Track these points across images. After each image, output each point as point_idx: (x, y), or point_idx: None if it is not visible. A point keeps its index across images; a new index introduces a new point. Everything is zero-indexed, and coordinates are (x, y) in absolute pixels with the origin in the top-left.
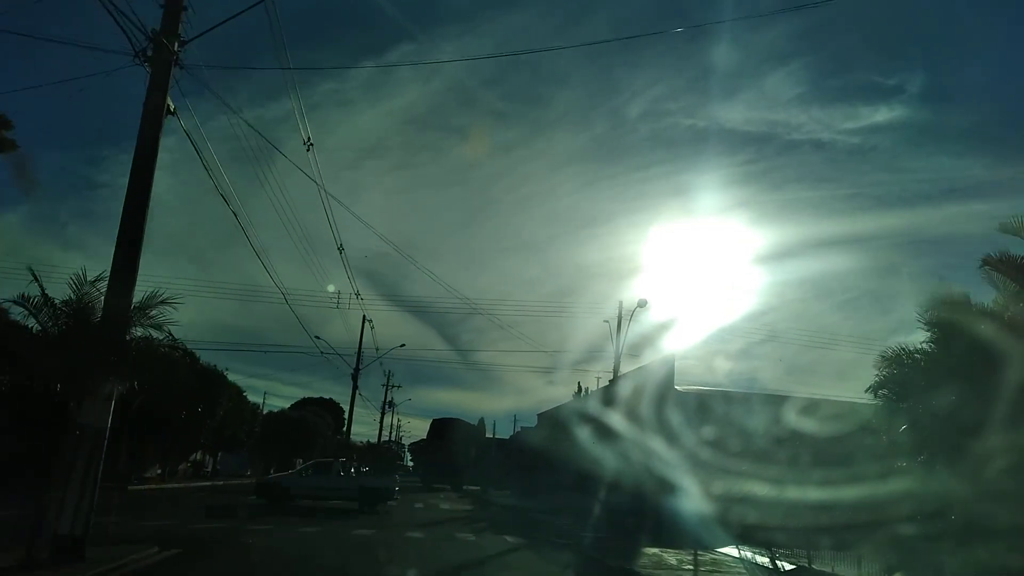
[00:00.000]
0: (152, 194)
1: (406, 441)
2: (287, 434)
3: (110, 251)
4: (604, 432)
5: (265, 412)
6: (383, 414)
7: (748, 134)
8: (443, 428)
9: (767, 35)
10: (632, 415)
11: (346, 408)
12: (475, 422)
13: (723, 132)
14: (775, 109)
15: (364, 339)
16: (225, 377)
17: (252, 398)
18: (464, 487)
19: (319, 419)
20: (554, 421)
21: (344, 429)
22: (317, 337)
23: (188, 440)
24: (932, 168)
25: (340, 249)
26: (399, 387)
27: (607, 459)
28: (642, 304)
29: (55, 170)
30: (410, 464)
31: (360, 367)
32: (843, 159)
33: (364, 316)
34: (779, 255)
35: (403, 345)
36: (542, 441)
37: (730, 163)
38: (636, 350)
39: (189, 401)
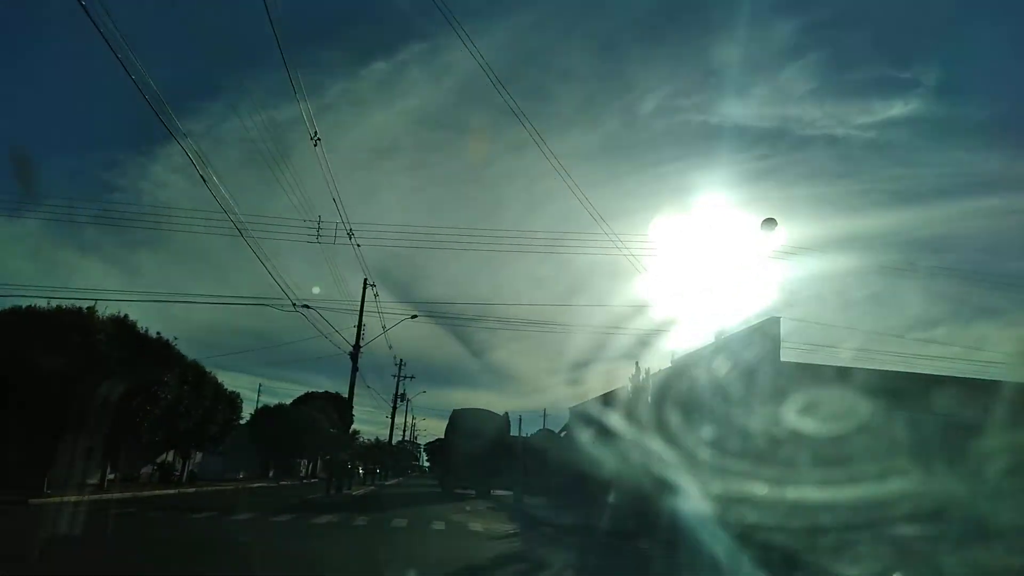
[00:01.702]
0: None
1: (421, 440)
2: (285, 431)
3: (126, 256)
4: (682, 419)
5: (260, 407)
6: (394, 407)
7: (761, 130)
8: (465, 420)
9: (780, 30)
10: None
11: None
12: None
13: (736, 128)
14: (788, 104)
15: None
16: (174, 349)
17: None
18: (491, 492)
19: (323, 415)
20: (599, 413)
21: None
22: (305, 305)
23: (123, 434)
24: (949, 163)
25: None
26: (411, 378)
27: (687, 455)
28: (770, 226)
29: (71, 174)
30: (426, 465)
31: (361, 344)
32: (858, 154)
33: (365, 280)
34: (793, 251)
35: (415, 316)
36: (586, 437)
37: (743, 159)
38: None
39: (117, 378)
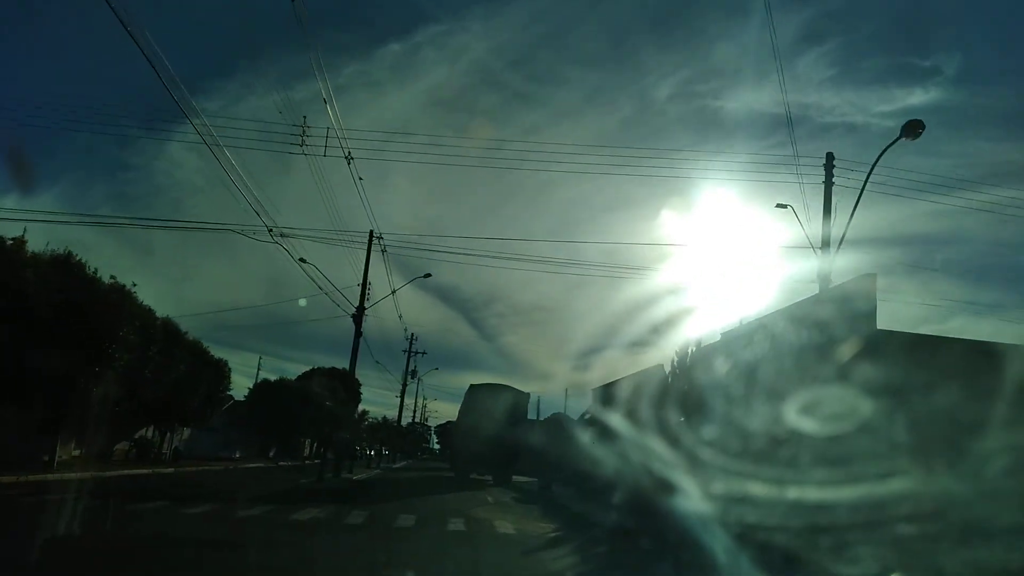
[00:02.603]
0: None
1: (432, 423)
2: (284, 408)
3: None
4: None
5: (259, 381)
6: (404, 384)
7: (779, 116)
8: (483, 397)
9: (800, 15)
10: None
11: (363, 383)
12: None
13: (753, 115)
14: (807, 91)
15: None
16: (134, 299)
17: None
18: (511, 479)
19: (328, 392)
20: (630, 394)
21: (358, 403)
22: (302, 260)
23: (72, 404)
24: (969, 153)
25: None
26: (423, 353)
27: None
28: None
29: (87, 151)
30: (436, 448)
31: (366, 306)
32: (877, 143)
33: (371, 232)
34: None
35: (428, 275)
36: (616, 421)
37: (760, 147)
38: None
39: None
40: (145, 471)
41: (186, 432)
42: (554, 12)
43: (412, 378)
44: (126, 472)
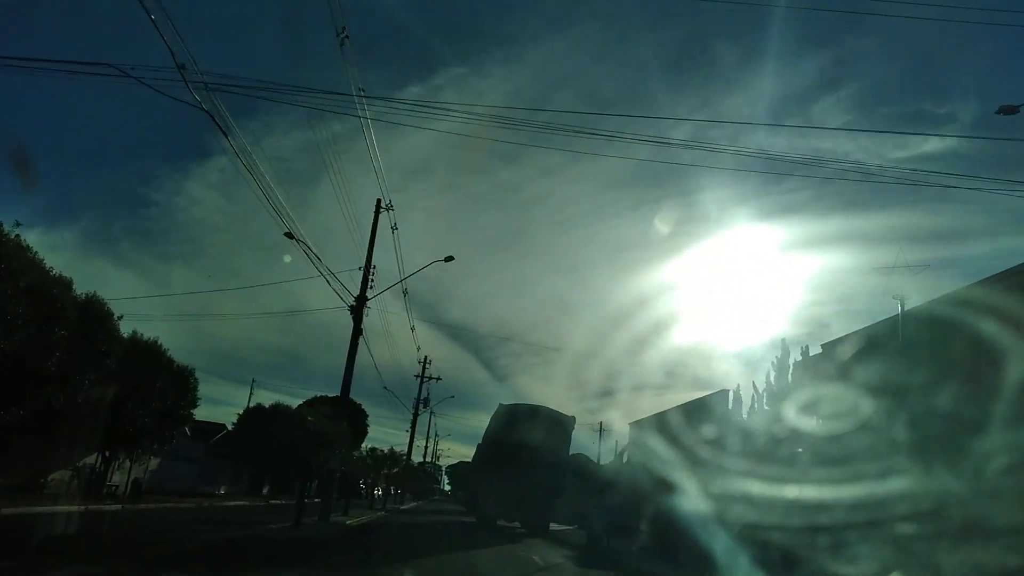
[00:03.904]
0: None
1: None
2: (274, 437)
3: (160, 268)
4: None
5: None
6: (415, 414)
7: (794, 162)
8: (519, 420)
9: (815, 62)
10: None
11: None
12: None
13: (768, 159)
14: (822, 136)
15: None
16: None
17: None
18: (548, 527)
19: (333, 422)
20: (691, 423)
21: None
22: (288, 234)
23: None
24: (986, 200)
25: None
26: (438, 379)
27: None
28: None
29: (108, 188)
30: (447, 488)
31: (368, 294)
32: (892, 189)
33: (379, 201)
34: (827, 283)
35: (451, 258)
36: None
37: (776, 191)
38: None
39: None
40: (75, 508)
41: (153, 462)
42: (572, 55)
43: (424, 407)
44: (22, 510)
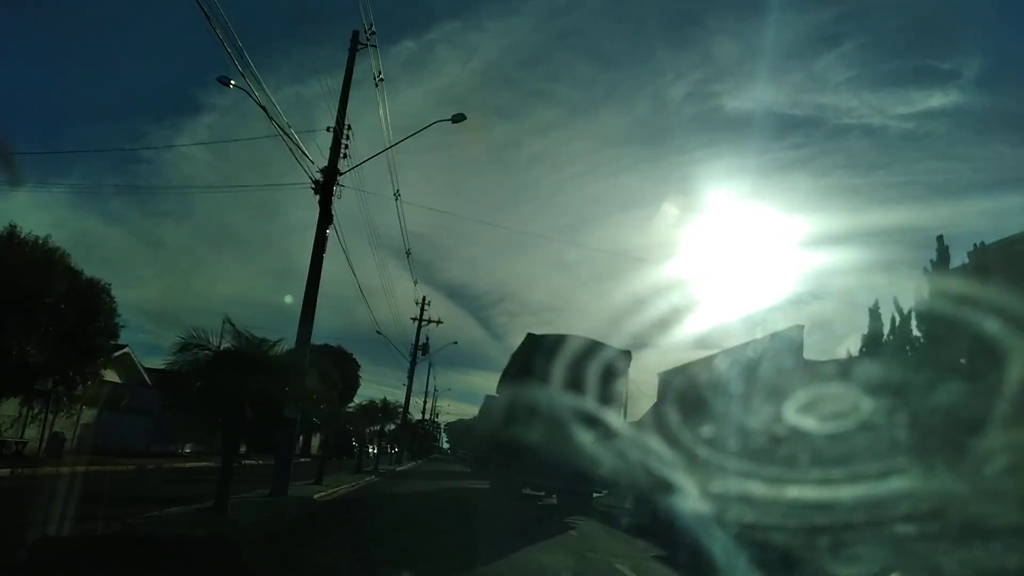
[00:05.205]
0: None
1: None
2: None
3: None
4: None
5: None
6: (413, 360)
7: (796, 118)
8: (554, 355)
9: (818, 16)
10: None
11: (363, 364)
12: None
13: (770, 115)
14: (825, 92)
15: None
16: None
17: None
18: (591, 495)
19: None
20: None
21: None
22: (222, 79)
23: None
24: (989, 156)
25: None
26: (439, 322)
27: None
28: None
29: (97, 144)
30: (446, 446)
31: (340, 169)
32: (895, 145)
33: (355, 34)
34: (825, 241)
35: (459, 118)
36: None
37: (777, 147)
38: None
39: None
40: None
41: (87, 413)
42: (571, 9)
43: (423, 354)
44: None
